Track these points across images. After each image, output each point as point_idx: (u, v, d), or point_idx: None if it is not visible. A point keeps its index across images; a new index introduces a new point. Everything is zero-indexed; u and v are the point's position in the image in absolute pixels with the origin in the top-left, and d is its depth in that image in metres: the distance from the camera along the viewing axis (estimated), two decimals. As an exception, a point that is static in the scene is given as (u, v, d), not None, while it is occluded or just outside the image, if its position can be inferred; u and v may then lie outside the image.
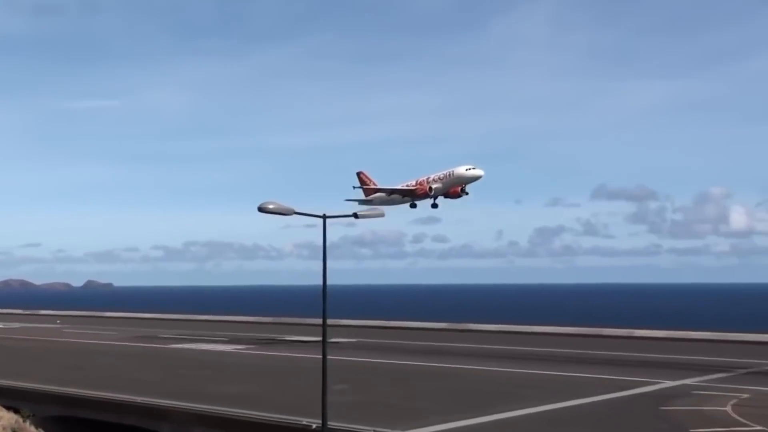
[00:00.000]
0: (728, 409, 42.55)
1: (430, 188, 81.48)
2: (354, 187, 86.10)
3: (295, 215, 33.68)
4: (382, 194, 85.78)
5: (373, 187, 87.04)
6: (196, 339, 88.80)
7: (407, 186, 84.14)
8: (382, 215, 35.92)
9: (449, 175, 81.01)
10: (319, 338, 36.75)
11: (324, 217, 34.21)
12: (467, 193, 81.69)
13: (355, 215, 34.92)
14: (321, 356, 34.85)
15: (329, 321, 36.32)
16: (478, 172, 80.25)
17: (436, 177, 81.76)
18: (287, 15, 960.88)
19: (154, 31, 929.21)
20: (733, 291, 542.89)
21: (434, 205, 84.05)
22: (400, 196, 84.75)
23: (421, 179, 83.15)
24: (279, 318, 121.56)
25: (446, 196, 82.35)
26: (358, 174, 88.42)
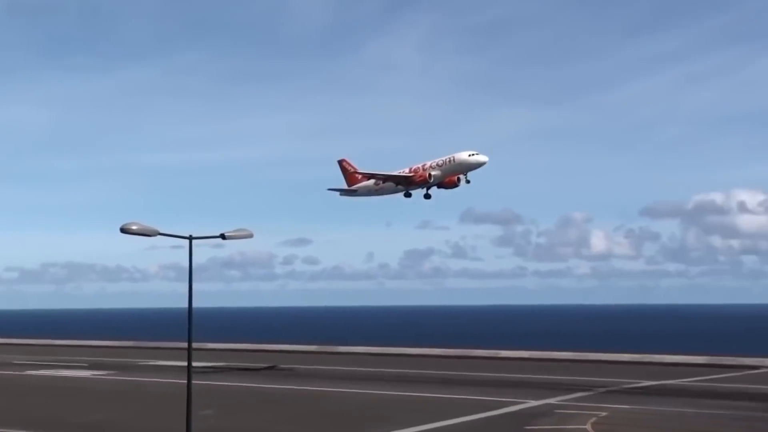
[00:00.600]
0: (588, 427, 43.84)
1: (430, 175, 74.92)
2: (351, 173, 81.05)
3: (159, 236, 32.82)
4: (370, 183, 79.98)
5: (362, 173, 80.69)
6: (53, 365, 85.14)
7: (401, 173, 77.76)
8: (250, 236, 35.35)
9: (449, 161, 74.56)
10: (184, 362, 35.79)
11: (190, 238, 33.48)
12: (468, 182, 75.31)
13: (223, 236, 34.27)
14: (186, 381, 33.96)
15: (195, 344, 35.47)
16: (481, 158, 73.85)
17: (434, 164, 75.41)
18: (156, 33, 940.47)
19: (11, 45, 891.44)
20: (593, 312, 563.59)
21: (427, 195, 78.12)
22: (394, 185, 78.40)
23: (415, 166, 76.89)
24: (142, 342, 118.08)
25: (440, 186, 76.61)
26: (340, 162, 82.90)
